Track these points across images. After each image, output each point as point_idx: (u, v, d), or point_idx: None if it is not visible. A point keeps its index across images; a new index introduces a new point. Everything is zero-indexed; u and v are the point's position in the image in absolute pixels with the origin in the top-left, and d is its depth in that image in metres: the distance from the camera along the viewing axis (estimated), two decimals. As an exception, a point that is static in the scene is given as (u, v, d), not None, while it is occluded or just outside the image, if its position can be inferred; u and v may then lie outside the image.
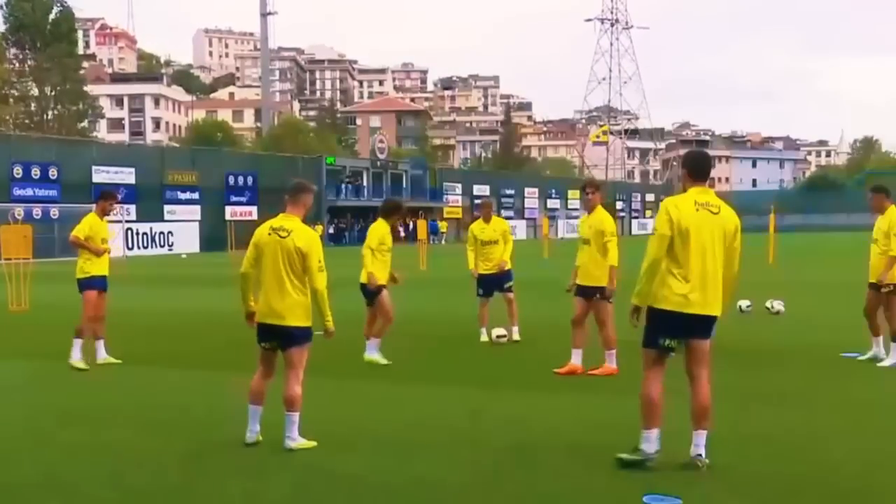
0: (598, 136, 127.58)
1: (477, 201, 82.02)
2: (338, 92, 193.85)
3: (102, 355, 11.24)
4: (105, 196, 11.97)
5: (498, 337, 12.46)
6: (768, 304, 16.02)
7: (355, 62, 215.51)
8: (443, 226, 75.43)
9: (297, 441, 6.79)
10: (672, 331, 6.18)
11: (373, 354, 11.04)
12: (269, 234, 6.96)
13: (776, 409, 8.24)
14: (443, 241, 73.02)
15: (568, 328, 10.18)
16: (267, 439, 6.96)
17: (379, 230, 11.20)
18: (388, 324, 11.21)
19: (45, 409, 8.63)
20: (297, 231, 6.93)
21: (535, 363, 10.82)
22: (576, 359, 10.01)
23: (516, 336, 12.57)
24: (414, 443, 7.03)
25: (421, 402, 8.75)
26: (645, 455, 6.16)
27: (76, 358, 10.90)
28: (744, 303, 16.10)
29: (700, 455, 6.18)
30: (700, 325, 6.21)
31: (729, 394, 8.87)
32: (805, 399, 8.74)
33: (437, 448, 6.86)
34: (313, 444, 6.83)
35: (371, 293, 11.24)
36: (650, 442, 6.18)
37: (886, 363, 10.37)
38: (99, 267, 11.36)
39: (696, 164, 6.45)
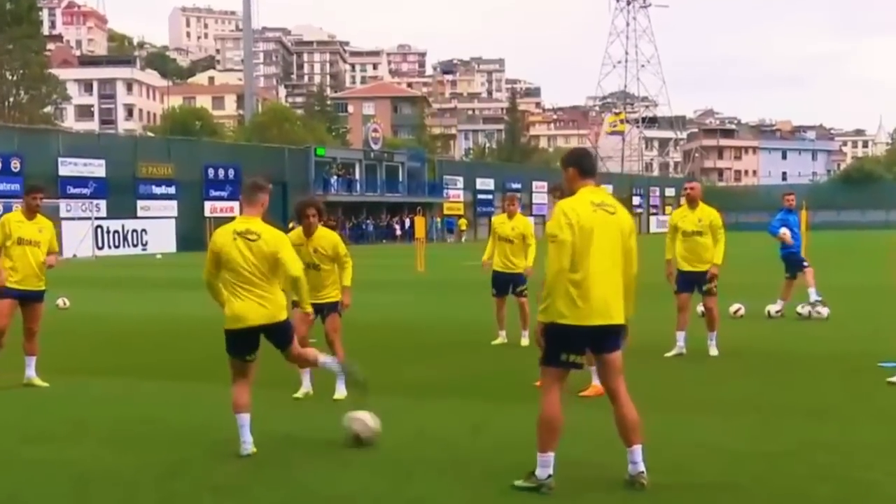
0: (613, 125, 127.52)
1: (482, 195, 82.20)
2: (327, 76, 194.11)
3: (31, 374, 10.54)
4: (29, 190, 11.00)
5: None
6: (799, 309, 16.05)
7: (347, 44, 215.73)
8: (462, 223, 75.31)
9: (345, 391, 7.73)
10: (575, 346, 6.13)
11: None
12: (235, 238, 7.12)
13: (805, 423, 8.25)
14: (462, 240, 72.98)
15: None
16: (249, 458, 6.99)
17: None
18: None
19: (7, 424, 8.64)
20: (265, 233, 7.16)
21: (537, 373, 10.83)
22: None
23: (525, 342, 12.62)
24: (410, 461, 7.04)
25: (418, 417, 8.76)
26: (539, 481, 6.11)
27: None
28: (773, 307, 16.14)
29: (642, 472, 6.13)
30: (607, 337, 6.17)
31: (753, 407, 8.90)
32: (838, 413, 8.74)
33: (435, 467, 6.88)
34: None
35: None
36: (546, 466, 6.12)
37: None
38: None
39: (582, 161, 6.44)
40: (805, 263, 16.57)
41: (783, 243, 16.58)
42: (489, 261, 13.21)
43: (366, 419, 7.49)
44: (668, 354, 11.83)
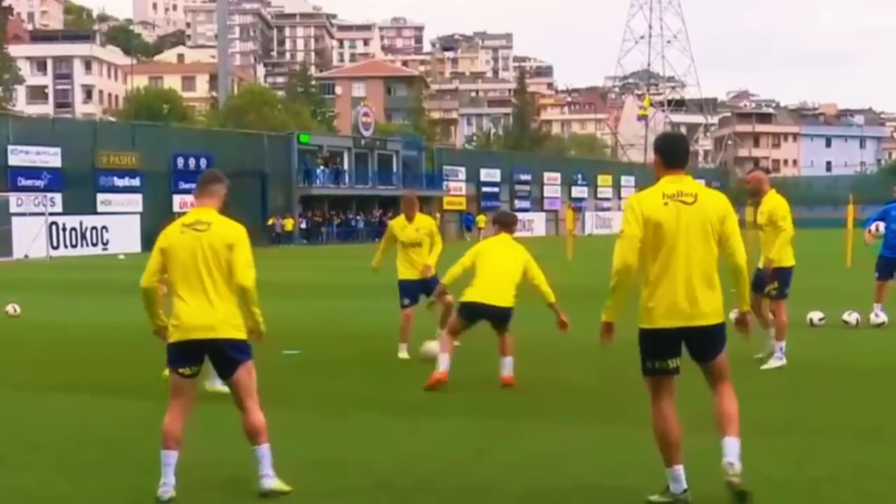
0: (644, 109, 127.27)
1: (486, 188, 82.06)
2: (312, 54, 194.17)
3: None
4: None
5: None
6: (846, 317, 16.04)
7: (334, 17, 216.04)
8: (481, 220, 75.19)
9: (275, 480, 6.76)
10: (664, 351, 6.31)
11: None
12: (183, 231, 6.91)
13: (854, 445, 8.26)
14: (480, 237, 72.94)
15: (594, 348, 10.19)
16: (229, 480, 6.98)
17: None
18: None
19: (-50, 446, 8.65)
20: (217, 223, 6.91)
21: (553, 388, 10.85)
22: None
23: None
24: (407, 488, 7.05)
25: (415, 438, 8.78)
26: (674, 496, 6.28)
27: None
28: (815, 315, 16.13)
29: (731, 463, 6.29)
30: (699, 341, 6.32)
31: (798, 427, 8.91)
32: (891, 433, 8.75)
33: (434, 494, 6.91)
34: (289, 487, 6.80)
35: None
36: (676, 481, 6.30)
37: None
38: None
39: (665, 149, 6.54)
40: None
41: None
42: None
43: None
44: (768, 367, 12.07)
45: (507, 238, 11.50)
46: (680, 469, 6.29)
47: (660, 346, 6.30)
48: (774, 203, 12.34)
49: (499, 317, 11.11)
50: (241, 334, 6.86)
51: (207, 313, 6.76)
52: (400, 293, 13.49)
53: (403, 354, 13.32)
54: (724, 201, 6.43)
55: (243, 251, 6.89)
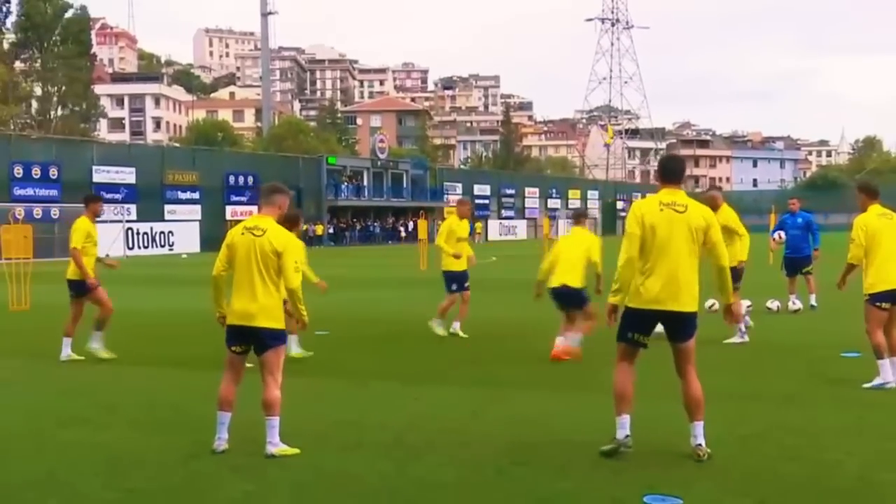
0: (609, 139, 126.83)
1: (479, 200, 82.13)
2: (338, 91, 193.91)
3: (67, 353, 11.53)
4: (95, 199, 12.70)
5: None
6: (769, 304, 16.05)
7: (356, 62, 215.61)
8: (478, 227, 75.04)
9: (278, 447, 6.66)
10: (640, 327, 6.51)
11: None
12: (243, 233, 6.86)
13: (775, 409, 8.25)
14: (476, 241, 72.82)
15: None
16: (266, 441, 6.97)
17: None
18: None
19: (45, 408, 8.64)
20: (272, 230, 6.84)
21: (536, 362, 10.83)
22: None
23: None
24: (414, 444, 7.03)
25: (421, 402, 8.75)
26: (618, 441, 6.40)
27: (98, 346, 11.49)
28: (744, 303, 16.09)
29: (700, 444, 6.40)
30: (674, 324, 6.44)
31: (728, 395, 8.89)
32: (804, 399, 8.74)
33: (438, 448, 6.87)
34: (296, 450, 6.70)
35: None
36: (622, 427, 6.42)
37: (870, 384, 9.15)
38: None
39: (665, 168, 6.76)
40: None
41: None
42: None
43: None
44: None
45: (578, 229, 11.66)
46: (626, 418, 6.42)
47: (640, 323, 6.49)
48: (728, 216, 12.56)
49: (570, 296, 11.06)
50: (276, 324, 6.79)
51: (251, 304, 6.74)
52: (448, 281, 13.40)
53: (439, 330, 13.20)
54: (710, 214, 6.59)
55: (291, 258, 6.82)
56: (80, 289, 11.62)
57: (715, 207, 12.68)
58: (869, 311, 9.16)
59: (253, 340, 6.83)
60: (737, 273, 12.42)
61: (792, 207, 17.21)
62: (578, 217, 12.09)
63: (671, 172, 6.68)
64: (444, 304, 13.32)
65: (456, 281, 13.37)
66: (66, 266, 11.85)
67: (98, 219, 12.08)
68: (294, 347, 11.16)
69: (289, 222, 11.18)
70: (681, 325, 6.45)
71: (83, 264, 11.55)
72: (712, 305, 15.95)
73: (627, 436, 6.40)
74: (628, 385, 6.51)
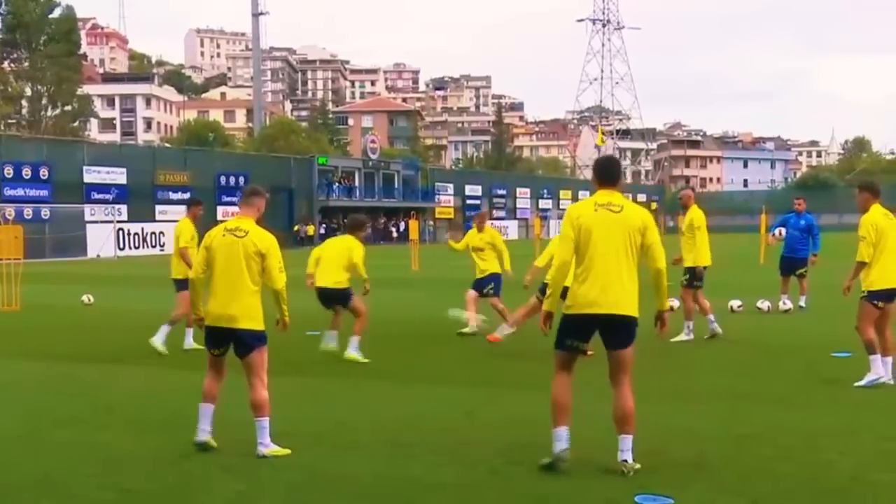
0: (603, 140, 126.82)
1: (470, 201, 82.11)
2: (329, 92, 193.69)
3: (189, 343, 12.22)
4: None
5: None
6: (760, 304, 16.09)
7: (347, 62, 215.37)
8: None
9: (269, 447, 6.63)
10: (578, 333, 6.21)
11: (355, 353, 11.37)
12: (224, 234, 6.84)
13: (770, 409, 8.27)
14: None
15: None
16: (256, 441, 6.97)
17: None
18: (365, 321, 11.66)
19: (40, 409, 8.62)
20: (254, 232, 6.84)
21: (530, 362, 10.85)
22: None
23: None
24: (409, 443, 7.03)
25: (416, 403, 8.76)
26: (555, 455, 6.12)
27: (159, 342, 11.82)
28: (735, 303, 16.16)
29: (626, 460, 6.10)
30: (612, 329, 6.17)
31: (723, 394, 8.93)
32: (798, 399, 8.76)
33: (432, 448, 6.88)
34: (287, 451, 6.67)
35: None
36: (559, 440, 6.14)
37: (863, 381, 9.19)
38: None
39: (600, 169, 6.53)
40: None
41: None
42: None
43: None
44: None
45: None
46: (564, 430, 6.13)
47: (576, 329, 6.21)
48: (693, 215, 12.89)
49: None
50: (257, 325, 6.76)
51: (231, 306, 6.72)
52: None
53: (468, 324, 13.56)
54: (647, 215, 6.35)
55: (275, 259, 6.82)
56: (184, 286, 12.02)
57: (686, 206, 13.07)
58: (864, 307, 9.18)
59: (233, 342, 6.79)
60: (698, 274, 12.72)
61: (797, 207, 16.93)
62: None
63: (607, 174, 6.45)
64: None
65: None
66: (62, 266, 11.83)
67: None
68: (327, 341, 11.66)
69: (355, 228, 11.58)
70: (618, 331, 6.16)
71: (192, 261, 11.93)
72: (741, 305, 16.00)
73: (565, 449, 6.10)
74: (566, 396, 6.21)
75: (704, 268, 12.86)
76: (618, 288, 6.13)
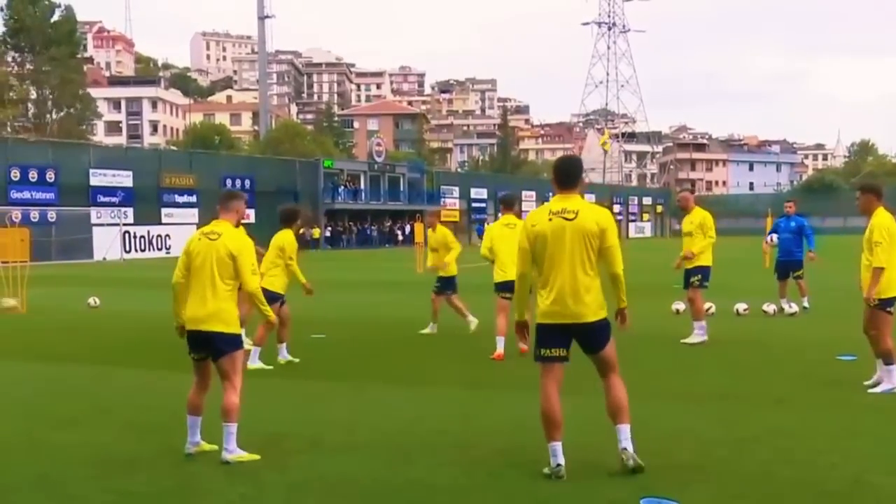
0: (605, 143, 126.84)
1: (476, 204, 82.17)
2: (335, 95, 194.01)
3: (284, 356, 11.32)
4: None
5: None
6: (765, 307, 16.04)
7: (353, 65, 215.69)
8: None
9: (234, 454, 6.56)
10: (549, 342, 6.14)
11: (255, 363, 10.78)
12: (200, 239, 6.88)
13: (770, 411, 8.23)
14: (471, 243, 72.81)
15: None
16: (261, 443, 6.95)
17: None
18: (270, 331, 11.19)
19: (39, 411, 8.62)
20: (227, 234, 6.84)
21: (529, 364, 10.81)
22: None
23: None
24: (408, 445, 7.01)
25: (415, 405, 8.73)
26: (551, 469, 6.04)
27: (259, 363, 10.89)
28: (740, 306, 16.13)
29: (625, 448, 6.09)
30: (585, 335, 6.12)
31: (723, 396, 8.90)
32: (799, 401, 8.72)
33: (431, 451, 6.85)
34: (256, 457, 6.61)
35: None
36: (554, 455, 6.04)
37: (878, 389, 9.03)
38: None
39: (557, 171, 6.33)
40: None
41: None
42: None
43: None
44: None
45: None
46: (557, 445, 6.03)
47: (548, 338, 6.13)
48: (704, 216, 12.90)
49: None
50: (229, 329, 6.72)
51: (202, 309, 6.71)
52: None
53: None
54: (605, 217, 6.14)
55: (247, 261, 6.79)
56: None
57: (685, 209, 13.06)
58: (879, 316, 8.91)
59: (207, 345, 6.76)
60: (706, 272, 12.76)
61: (787, 211, 17.22)
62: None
63: (564, 176, 6.25)
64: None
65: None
66: (67, 269, 11.82)
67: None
68: (283, 354, 11.22)
69: (287, 220, 11.31)
70: (590, 336, 6.11)
71: None
72: (746, 309, 15.95)
73: (559, 465, 5.97)
74: (555, 408, 6.08)
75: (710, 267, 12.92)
76: (579, 297, 6.05)
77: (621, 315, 6.32)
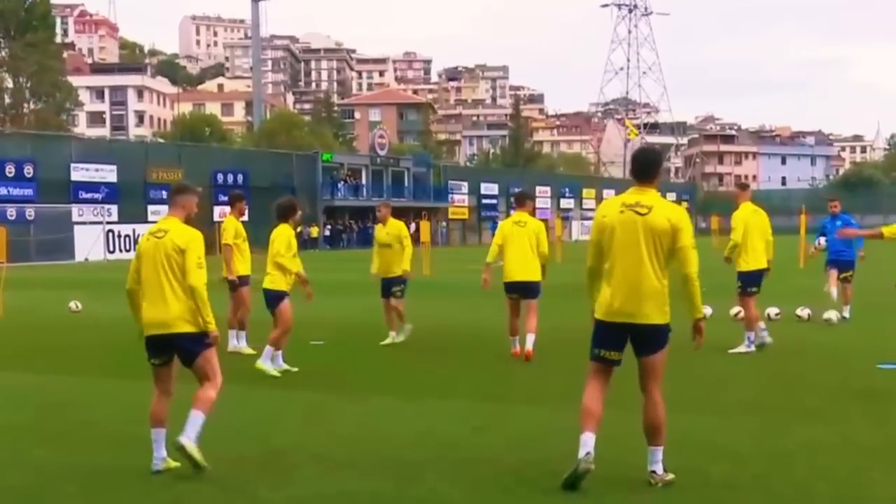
0: (636, 133, 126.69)
1: (486, 200, 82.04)
2: (335, 83, 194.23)
3: (280, 364, 11.25)
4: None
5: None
6: (799, 312, 16.01)
7: (353, 51, 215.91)
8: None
9: (190, 441, 6.54)
10: (606, 342, 6.24)
11: (265, 363, 10.97)
12: (148, 239, 6.90)
13: (806, 424, 8.22)
14: (481, 243, 72.86)
15: (583, 339, 10.17)
16: (260, 457, 6.97)
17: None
18: (287, 334, 11.23)
19: (20, 424, 8.65)
20: (174, 230, 6.85)
21: (543, 376, 10.83)
22: None
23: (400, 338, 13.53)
24: (416, 461, 7.03)
25: (423, 418, 8.75)
26: (578, 459, 6.09)
27: (272, 365, 11.07)
28: (772, 310, 16.10)
29: (654, 471, 6.18)
30: (639, 337, 6.18)
31: (756, 408, 8.90)
32: (837, 414, 8.71)
33: (440, 466, 6.87)
34: (204, 462, 6.58)
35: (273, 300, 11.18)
36: (584, 445, 6.12)
37: None
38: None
39: (635, 162, 6.51)
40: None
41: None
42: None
43: None
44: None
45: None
46: (590, 436, 6.10)
47: (606, 339, 6.23)
48: (733, 214, 13.03)
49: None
50: (195, 328, 6.75)
51: (162, 312, 6.72)
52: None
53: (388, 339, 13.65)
54: (680, 216, 6.25)
55: (193, 254, 6.77)
56: (233, 287, 12.63)
57: (735, 205, 13.07)
58: None
59: (174, 350, 6.79)
60: (748, 277, 12.68)
61: (832, 210, 17.08)
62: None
63: (640, 168, 6.41)
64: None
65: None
66: (48, 270, 11.85)
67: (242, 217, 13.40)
68: (278, 362, 11.22)
69: (284, 214, 11.31)
70: (645, 339, 6.18)
71: (231, 261, 12.60)
72: (778, 313, 15.93)
73: (588, 453, 6.06)
74: (596, 403, 6.23)
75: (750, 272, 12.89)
76: (641, 296, 6.12)
77: (696, 328, 6.33)
